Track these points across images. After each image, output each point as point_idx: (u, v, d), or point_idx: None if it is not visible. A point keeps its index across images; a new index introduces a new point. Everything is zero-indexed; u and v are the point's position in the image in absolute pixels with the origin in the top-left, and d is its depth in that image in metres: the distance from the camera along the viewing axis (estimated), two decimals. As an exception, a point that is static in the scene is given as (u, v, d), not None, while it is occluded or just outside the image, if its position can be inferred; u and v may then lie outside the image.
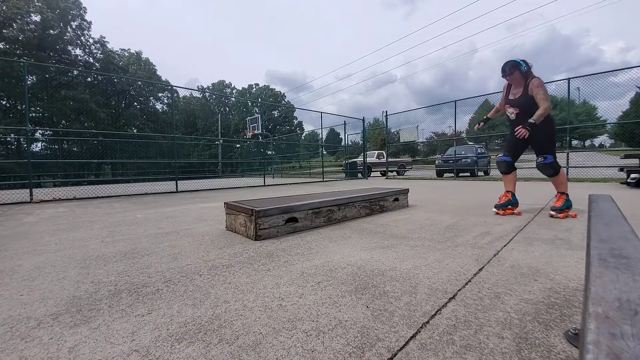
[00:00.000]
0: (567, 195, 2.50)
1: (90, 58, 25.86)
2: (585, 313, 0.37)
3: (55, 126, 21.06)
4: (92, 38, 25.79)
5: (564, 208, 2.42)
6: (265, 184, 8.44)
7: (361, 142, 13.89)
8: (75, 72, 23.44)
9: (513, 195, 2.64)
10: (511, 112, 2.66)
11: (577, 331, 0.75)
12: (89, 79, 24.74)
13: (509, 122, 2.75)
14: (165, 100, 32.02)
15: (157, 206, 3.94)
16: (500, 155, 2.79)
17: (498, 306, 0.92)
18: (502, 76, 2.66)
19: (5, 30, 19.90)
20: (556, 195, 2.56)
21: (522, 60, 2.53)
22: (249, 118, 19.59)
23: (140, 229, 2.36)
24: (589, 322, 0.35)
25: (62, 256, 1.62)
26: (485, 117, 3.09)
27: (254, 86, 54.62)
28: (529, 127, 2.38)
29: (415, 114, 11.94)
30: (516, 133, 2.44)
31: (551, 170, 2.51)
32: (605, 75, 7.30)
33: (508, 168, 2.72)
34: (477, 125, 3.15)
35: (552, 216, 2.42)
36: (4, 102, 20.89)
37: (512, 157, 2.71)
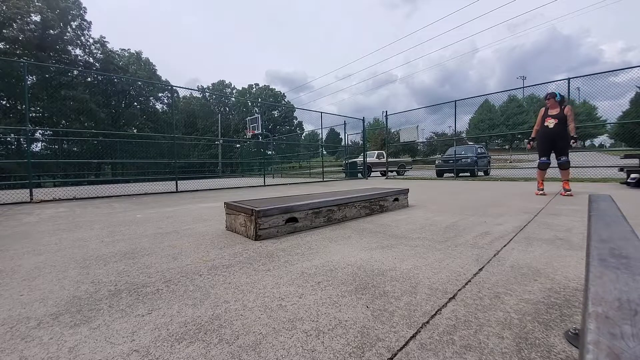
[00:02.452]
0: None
1: (90, 58, 25.85)
2: (585, 313, 0.37)
3: (55, 126, 21.04)
4: (92, 38, 25.80)
5: (570, 189, 4.03)
6: (265, 184, 8.44)
7: (361, 142, 13.89)
8: (75, 72, 23.43)
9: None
10: (552, 122, 4.07)
11: (577, 331, 0.75)
12: (89, 79, 24.73)
13: (543, 132, 4.16)
14: (165, 100, 32.02)
15: (157, 206, 3.94)
16: (543, 158, 4.22)
17: (498, 306, 0.92)
18: (544, 99, 4.28)
19: (5, 30, 19.89)
20: (564, 183, 4.06)
21: (558, 93, 4.16)
22: (249, 118, 19.59)
23: (140, 229, 2.36)
24: (589, 322, 0.35)
25: (62, 256, 1.62)
26: (531, 137, 4.46)
27: (254, 86, 54.61)
28: (576, 139, 4.03)
29: (416, 114, 11.95)
30: (574, 144, 4.03)
31: (568, 165, 4.11)
32: (605, 75, 7.30)
33: (548, 166, 4.26)
34: (528, 145, 4.55)
35: (568, 195, 3.88)
36: (4, 102, 20.88)
37: (549, 158, 4.21)
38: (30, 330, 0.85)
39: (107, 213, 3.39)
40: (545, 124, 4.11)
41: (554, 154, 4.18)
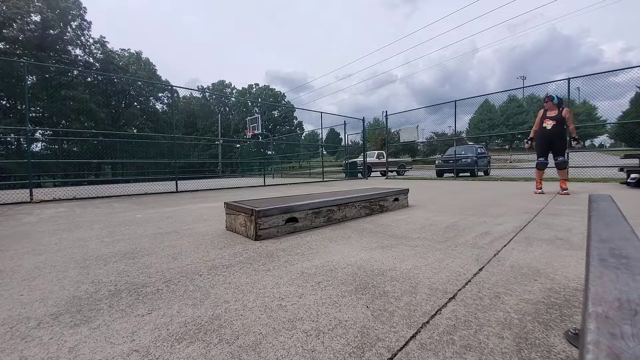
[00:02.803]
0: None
1: (90, 58, 25.84)
2: (585, 313, 0.37)
3: (55, 126, 21.04)
4: (92, 38, 25.80)
5: (567, 188, 4.25)
6: (265, 184, 8.44)
7: (361, 142, 13.89)
8: (75, 72, 23.43)
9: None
10: (550, 123, 4.26)
11: (577, 331, 0.75)
12: (89, 79, 24.73)
13: (541, 133, 4.35)
14: (165, 100, 32.02)
15: (157, 206, 3.94)
16: (541, 158, 4.40)
17: (498, 306, 0.92)
18: (543, 101, 4.48)
19: (5, 30, 19.89)
20: (562, 182, 4.29)
21: (556, 96, 4.35)
22: (249, 118, 19.60)
23: (140, 229, 2.36)
24: (589, 322, 0.35)
25: (62, 256, 1.62)
26: (530, 137, 4.65)
27: (254, 86, 54.62)
28: (577, 139, 4.33)
29: (416, 114, 11.95)
30: (577, 145, 4.43)
31: (565, 165, 4.40)
32: (605, 75, 7.30)
33: (546, 166, 4.46)
34: (527, 144, 4.71)
35: (565, 194, 4.06)
36: (4, 102, 20.88)
37: (546, 158, 4.39)
38: (30, 330, 0.85)
39: (107, 213, 3.39)
40: (544, 125, 4.33)
41: (551, 154, 4.35)
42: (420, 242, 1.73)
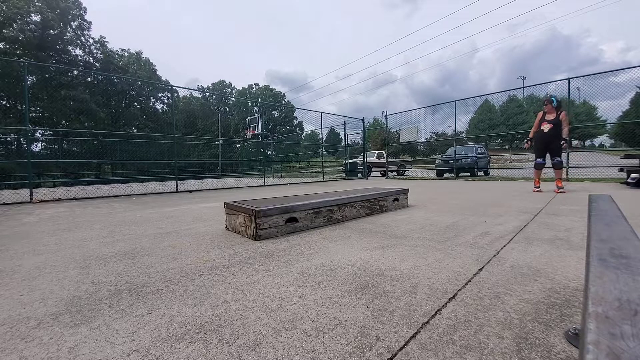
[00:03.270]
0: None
1: (90, 58, 25.85)
2: (585, 313, 0.37)
3: (55, 126, 21.05)
4: (92, 38, 25.82)
5: (563, 187, 4.49)
6: (265, 184, 8.44)
7: (361, 142, 13.89)
8: (75, 72, 23.43)
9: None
10: (547, 126, 4.52)
11: (577, 331, 0.75)
12: (89, 79, 24.74)
13: (539, 135, 4.61)
14: (165, 100, 32.04)
15: (157, 206, 3.94)
16: (539, 159, 4.68)
17: (498, 306, 0.92)
18: (543, 103, 4.68)
19: (5, 30, 19.89)
20: (558, 181, 4.53)
21: (555, 98, 4.52)
22: (249, 118, 19.62)
23: (140, 229, 2.36)
24: (589, 322, 0.35)
25: (62, 256, 1.62)
26: (529, 137, 4.84)
27: (254, 86, 54.63)
28: (565, 140, 4.45)
29: (416, 114, 11.95)
30: (563, 145, 4.47)
31: (562, 165, 4.63)
32: (605, 75, 7.30)
33: (543, 166, 4.72)
34: (526, 144, 4.90)
35: (561, 192, 4.27)
36: (4, 102, 20.88)
37: (544, 159, 4.62)
38: (30, 330, 0.85)
39: (107, 213, 3.39)
40: (541, 127, 4.61)
41: (549, 155, 4.60)
42: (420, 242, 1.73)
